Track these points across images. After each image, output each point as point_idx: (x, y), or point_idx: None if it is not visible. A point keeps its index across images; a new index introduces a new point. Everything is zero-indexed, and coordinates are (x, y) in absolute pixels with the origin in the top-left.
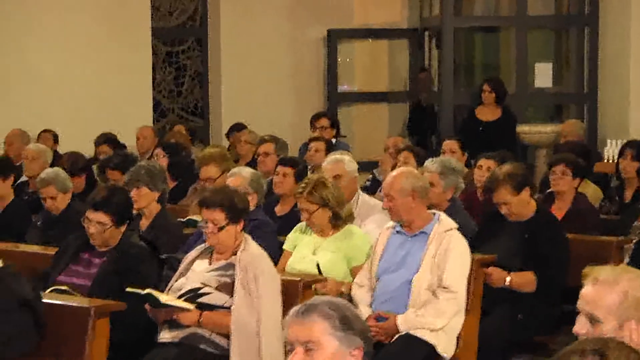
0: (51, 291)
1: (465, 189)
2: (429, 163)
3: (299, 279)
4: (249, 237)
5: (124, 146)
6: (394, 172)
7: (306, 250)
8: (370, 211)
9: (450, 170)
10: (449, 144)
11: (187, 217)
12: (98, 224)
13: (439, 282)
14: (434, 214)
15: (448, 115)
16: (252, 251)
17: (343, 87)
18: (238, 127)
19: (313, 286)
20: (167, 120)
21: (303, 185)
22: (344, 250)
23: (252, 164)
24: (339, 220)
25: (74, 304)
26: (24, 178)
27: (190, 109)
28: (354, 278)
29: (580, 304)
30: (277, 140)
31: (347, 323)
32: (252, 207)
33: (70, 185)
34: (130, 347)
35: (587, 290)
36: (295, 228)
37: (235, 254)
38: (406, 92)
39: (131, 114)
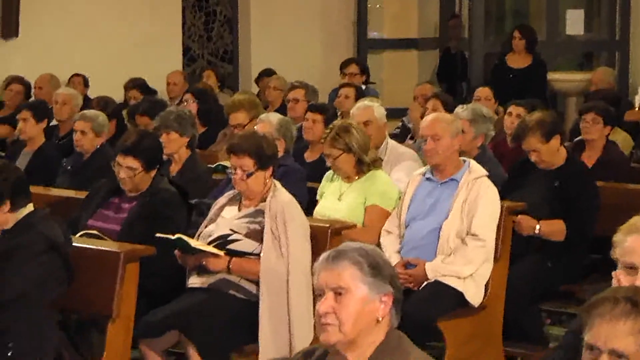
0: (81, 235)
1: (494, 136)
2: (459, 110)
3: (327, 225)
4: (278, 184)
5: (154, 91)
6: (436, 114)
7: (332, 197)
8: (399, 158)
9: (480, 117)
10: (483, 91)
11: (217, 163)
12: (128, 169)
13: (468, 230)
14: (464, 161)
15: (478, 63)
16: (281, 197)
17: (372, 34)
18: (267, 73)
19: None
20: (196, 66)
21: (327, 130)
22: (364, 194)
23: (281, 110)
24: (363, 166)
25: (104, 249)
26: (54, 122)
27: (220, 55)
28: (367, 217)
29: (616, 253)
30: (306, 87)
31: (376, 269)
32: (280, 154)
33: (104, 131)
34: (159, 292)
35: (623, 239)
36: (324, 177)
37: (265, 201)
38: (436, 39)
39: (161, 59)
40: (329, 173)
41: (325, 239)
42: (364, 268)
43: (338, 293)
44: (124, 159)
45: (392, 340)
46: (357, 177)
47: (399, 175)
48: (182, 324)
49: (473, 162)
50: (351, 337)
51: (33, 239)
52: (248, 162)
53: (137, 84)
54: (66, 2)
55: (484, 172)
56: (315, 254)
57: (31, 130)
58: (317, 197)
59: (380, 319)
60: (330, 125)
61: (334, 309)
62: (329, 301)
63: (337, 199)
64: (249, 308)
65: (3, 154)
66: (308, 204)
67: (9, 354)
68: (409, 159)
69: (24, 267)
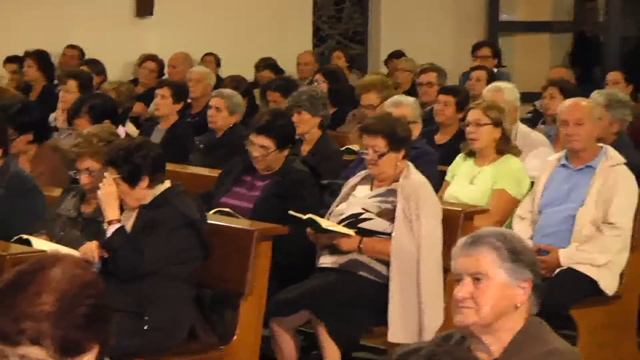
0: (214, 213)
1: (632, 122)
2: (595, 95)
3: (460, 209)
4: (411, 165)
5: (284, 72)
6: (576, 99)
7: (463, 180)
8: (530, 145)
9: (617, 102)
10: (613, 75)
11: (346, 147)
12: (261, 148)
13: (604, 218)
14: (601, 147)
15: (614, 47)
16: (414, 179)
17: (505, 16)
18: (396, 55)
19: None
20: (326, 47)
21: (481, 100)
22: (495, 178)
23: (410, 91)
24: (506, 144)
25: (238, 226)
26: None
27: (350, 36)
28: (493, 201)
29: None
30: (439, 70)
31: (516, 254)
32: (415, 136)
33: (238, 111)
34: (290, 271)
35: None
36: (457, 158)
37: (397, 181)
38: (571, 22)
39: (291, 39)
40: (462, 154)
41: (456, 223)
42: (503, 253)
43: (476, 279)
44: (257, 138)
45: (531, 327)
46: (491, 158)
47: (534, 164)
48: (313, 304)
49: (610, 149)
50: (488, 321)
51: (170, 214)
52: (380, 143)
53: (268, 64)
54: None
55: (622, 159)
56: (446, 238)
57: (167, 108)
58: (447, 178)
59: (518, 305)
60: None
61: (472, 295)
62: (467, 287)
63: (469, 183)
64: (379, 289)
65: (138, 131)
66: (438, 187)
67: (145, 327)
68: (542, 144)
69: (160, 242)
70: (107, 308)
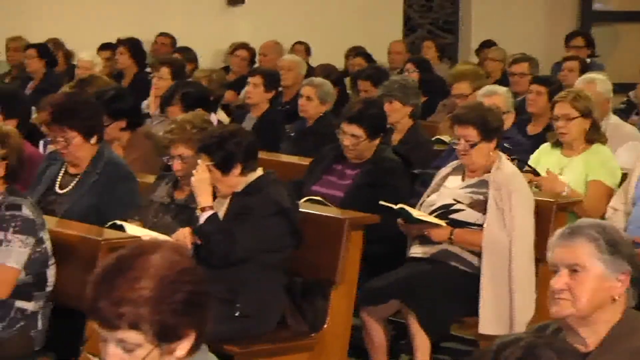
0: (305, 201)
1: None
2: None
3: (552, 200)
4: (503, 156)
5: (375, 61)
6: None
7: (552, 169)
8: (620, 138)
9: None
10: None
11: (436, 137)
12: (352, 137)
13: None
14: None
15: None
16: (506, 169)
17: (598, 6)
18: (487, 45)
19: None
20: (417, 36)
21: (566, 91)
22: (587, 169)
23: (500, 81)
24: (595, 134)
25: (329, 215)
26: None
27: (440, 25)
28: (590, 193)
29: None
30: (531, 60)
31: (614, 246)
32: (507, 127)
33: (329, 100)
34: (381, 260)
35: None
36: (540, 148)
37: (489, 172)
38: None
39: (381, 28)
40: (547, 145)
41: (549, 214)
42: (601, 245)
43: (573, 270)
44: (349, 127)
45: (628, 320)
46: (581, 148)
47: (625, 157)
48: (404, 293)
49: None
50: (584, 313)
51: (262, 202)
52: (472, 133)
53: (359, 53)
54: None
55: None
56: (538, 229)
57: (259, 96)
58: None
59: (616, 298)
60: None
61: (568, 286)
62: (563, 278)
63: (558, 173)
64: (470, 280)
65: (229, 119)
66: None
67: (236, 314)
68: (633, 138)
69: (253, 229)
70: (205, 294)
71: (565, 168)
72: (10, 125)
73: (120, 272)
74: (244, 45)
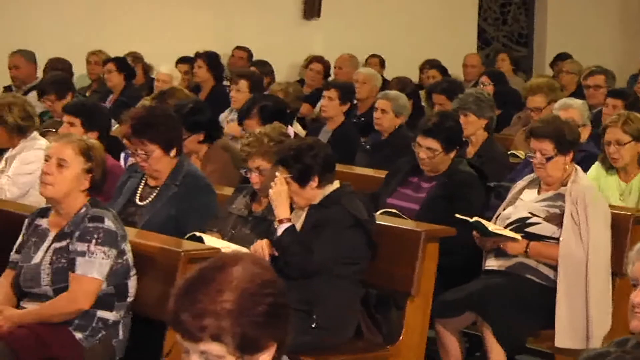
0: (381, 213)
1: None
2: None
3: (629, 213)
4: (579, 169)
5: (449, 73)
6: None
7: (612, 193)
8: None
9: None
10: None
11: (510, 152)
12: (428, 150)
13: None
14: None
15: None
16: (582, 183)
17: None
18: (562, 57)
19: None
20: (491, 49)
21: (617, 115)
22: None
23: (575, 94)
24: None
25: (406, 227)
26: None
27: (515, 38)
28: None
29: None
30: (606, 72)
31: None
32: (583, 139)
33: (403, 113)
34: (456, 272)
35: None
36: (594, 165)
37: (565, 185)
38: None
39: (456, 41)
40: (600, 166)
41: (627, 227)
42: None
43: None
44: (425, 140)
45: None
46: (634, 173)
47: None
48: (479, 306)
49: None
50: None
51: (339, 214)
52: (548, 147)
53: (434, 65)
54: None
55: None
56: (615, 243)
57: (334, 109)
58: None
59: None
60: (622, 111)
61: None
62: None
63: (619, 199)
64: (546, 293)
65: (305, 132)
66: None
67: (313, 325)
68: None
69: (329, 241)
70: (286, 306)
71: (624, 194)
72: (91, 138)
73: (203, 285)
74: (319, 59)
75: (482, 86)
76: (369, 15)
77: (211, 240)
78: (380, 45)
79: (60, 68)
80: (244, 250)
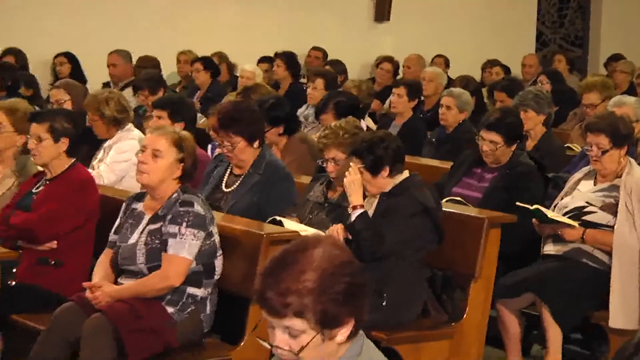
0: (447, 201)
1: None
2: None
3: None
4: (633, 162)
5: (510, 73)
6: None
7: None
8: None
9: None
10: None
11: (566, 145)
12: (491, 143)
13: None
14: None
15: None
16: (636, 175)
17: None
18: (615, 58)
19: None
20: (548, 50)
21: None
22: None
23: (628, 92)
24: None
25: (470, 214)
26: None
27: (571, 39)
28: None
29: None
30: None
31: None
32: (636, 134)
33: (467, 109)
34: (515, 257)
35: None
36: None
37: (620, 177)
38: None
39: (515, 42)
40: None
41: None
42: None
43: None
44: (488, 134)
45: None
46: None
47: None
48: (537, 287)
49: None
50: None
51: (408, 202)
52: (604, 140)
53: (494, 65)
54: None
55: None
56: None
57: (403, 105)
58: None
59: None
60: None
61: None
62: None
63: None
64: (601, 276)
65: (375, 126)
66: None
67: (383, 303)
68: None
69: (399, 227)
70: (363, 285)
71: None
72: (179, 128)
73: (286, 266)
74: (389, 59)
75: (540, 85)
76: (435, 18)
77: (290, 224)
78: (445, 46)
79: (149, 65)
80: (320, 233)
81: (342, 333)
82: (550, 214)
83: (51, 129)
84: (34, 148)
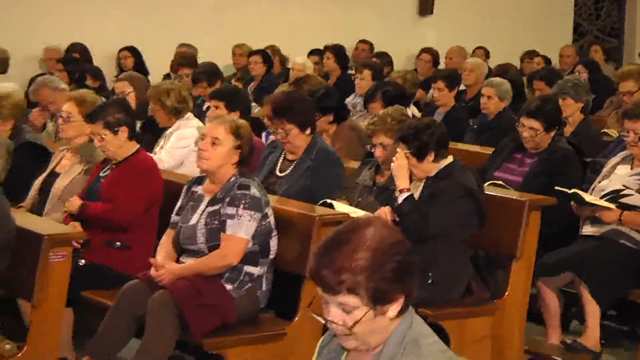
0: (489, 185)
1: None
2: None
3: None
4: None
5: (549, 63)
6: None
7: None
8: None
9: None
10: None
11: (603, 130)
12: (531, 129)
13: None
14: None
15: None
16: None
17: None
18: None
19: None
20: (585, 41)
21: None
22: None
23: None
24: None
25: (511, 197)
26: (462, 87)
27: (607, 31)
28: None
29: None
30: None
31: None
32: None
33: (507, 97)
34: (555, 237)
35: None
36: None
37: None
38: None
39: (553, 34)
40: None
41: None
42: None
43: None
44: (528, 121)
45: None
46: None
47: None
48: (576, 267)
49: None
50: None
51: (452, 185)
52: None
53: (533, 56)
54: None
55: None
56: None
57: (445, 97)
58: None
59: None
60: None
61: None
62: None
63: None
64: (638, 256)
65: (420, 114)
66: None
67: (429, 282)
68: None
69: (444, 209)
70: (412, 264)
71: None
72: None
73: (340, 245)
74: (427, 50)
75: (577, 74)
76: (475, 11)
77: (340, 207)
78: (486, 38)
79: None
80: (371, 215)
81: (393, 309)
82: (588, 197)
83: (106, 124)
84: (99, 145)
